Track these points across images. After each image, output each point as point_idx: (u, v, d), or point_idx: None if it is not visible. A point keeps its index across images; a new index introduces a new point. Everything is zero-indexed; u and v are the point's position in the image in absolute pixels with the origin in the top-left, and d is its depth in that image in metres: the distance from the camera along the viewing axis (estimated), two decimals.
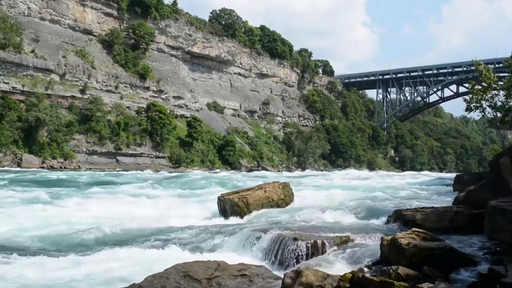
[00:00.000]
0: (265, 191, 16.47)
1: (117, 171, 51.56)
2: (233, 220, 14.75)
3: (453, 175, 37.71)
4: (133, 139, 64.86)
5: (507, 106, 23.79)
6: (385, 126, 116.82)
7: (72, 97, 61.72)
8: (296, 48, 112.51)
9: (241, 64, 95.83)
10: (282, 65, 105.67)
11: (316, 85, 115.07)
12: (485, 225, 8.74)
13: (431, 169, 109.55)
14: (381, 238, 8.53)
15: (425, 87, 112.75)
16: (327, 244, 9.24)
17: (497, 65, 62.36)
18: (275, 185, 17.28)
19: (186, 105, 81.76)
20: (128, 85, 70.62)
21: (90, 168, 54.09)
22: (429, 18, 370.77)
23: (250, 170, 71.60)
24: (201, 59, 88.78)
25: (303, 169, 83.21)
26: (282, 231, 10.47)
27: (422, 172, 76.13)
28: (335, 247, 9.21)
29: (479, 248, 8.42)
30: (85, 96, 62.77)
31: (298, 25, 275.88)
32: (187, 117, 77.53)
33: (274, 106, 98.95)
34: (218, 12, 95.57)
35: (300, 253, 9.07)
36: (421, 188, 27.86)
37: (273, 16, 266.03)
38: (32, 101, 55.46)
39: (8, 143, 50.79)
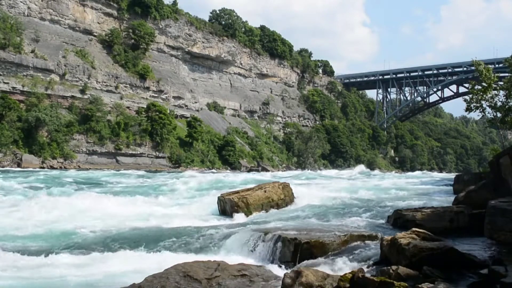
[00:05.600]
0: (265, 191, 16.47)
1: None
2: (233, 220, 14.74)
3: (453, 175, 37.75)
4: (133, 139, 64.89)
5: (507, 106, 23.80)
6: (385, 126, 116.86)
7: (72, 97, 61.77)
8: (296, 48, 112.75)
9: (241, 64, 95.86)
10: (282, 65, 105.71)
11: (316, 85, 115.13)
12: (485, 225, 8.73)
13: (431, 169, 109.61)
14: (381, 238, 8.54)
15: (425, 87, 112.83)
16: (327, 244, 9.23)
17: (497, 65, 62.39)
18: (275, 185, 17.29)
19: (186, 105, 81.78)
20: (128, 85, 70.64)
21: (90, 168, 54.09)
22: (428, 19, 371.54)
23: (250, 170, 71.60)
24: (201, 59, 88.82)
25: (304, 169, 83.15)
26: (282, 231, 10.46)
27: (417, 173, 75.54)
28: (335, 247, 9.21)
29: (479, 248, 8.42)
30: (85, 96, 62.80)
31: (297, 25, 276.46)
32: (187, 117, 77.57)
33: (274, 106, 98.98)
34: (218, 12, 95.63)
35: (300, 253, 9.06)
36: (421, 188, 27.86)
37: (272, 16, 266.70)
38: (32, 101, 55.52)
39: (8, 143, 50.82)
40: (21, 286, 7.93)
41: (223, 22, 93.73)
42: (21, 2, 61.86)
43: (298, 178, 39.22)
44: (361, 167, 68.71)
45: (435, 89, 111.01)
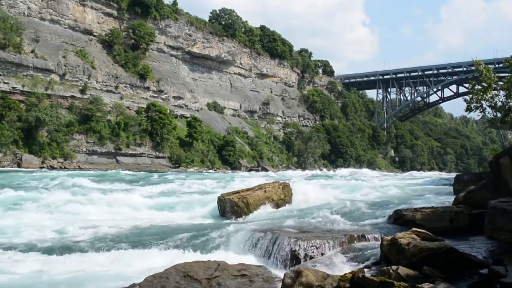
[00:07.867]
0: (265, 191, 16.46)
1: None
2: (233, 220, 14.74)
3: (453, 175, 37.73)
4: (133, 139, 64.86)
5: (507, 106, 23.79)
6: (385, 126, 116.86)
7: (72, 97, 61.72)
8: (296, 48, 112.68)
9: (241, 64, 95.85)
10: (282, 65, 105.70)
11: (316, 85, 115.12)
12: (485, 225, 8.74)
13: (431, 169, 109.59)
14: (381, 238, 8.54)
15: (425, 87, 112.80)
16: (327, 244, 9.23)
17: (497, 65, 62.40)
18: (275, 185, 17.28)
19: (186, 105, 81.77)
20: (128, 85, 70.62)
21: (90, 168, 54.07)
22: (428, 19, 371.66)
23: (250, 170, 71.60)
24: (201, 59, 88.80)
25: (304, 169, 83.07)
26: (282, 231, 10.46)
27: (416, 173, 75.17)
28: (335, 247, 9.21)
29: (479, 248, 8.42)
30: (85, 96, 62.77)
31: (297, 25, 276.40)
32: (187, 117, 77.55)
33: (274, 106, 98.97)
34: (218, 12, 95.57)
35: (300, 253, 9.06)
36: (421, 188, 27.85)
37: (272, 16, 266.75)
38: (32, 101, 55.47)
39: (8, 143, 50.78)
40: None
41: (223, 22, 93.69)
42: (21, 2, 61.83)
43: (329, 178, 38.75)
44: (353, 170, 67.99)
45: (435, 89, 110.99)
